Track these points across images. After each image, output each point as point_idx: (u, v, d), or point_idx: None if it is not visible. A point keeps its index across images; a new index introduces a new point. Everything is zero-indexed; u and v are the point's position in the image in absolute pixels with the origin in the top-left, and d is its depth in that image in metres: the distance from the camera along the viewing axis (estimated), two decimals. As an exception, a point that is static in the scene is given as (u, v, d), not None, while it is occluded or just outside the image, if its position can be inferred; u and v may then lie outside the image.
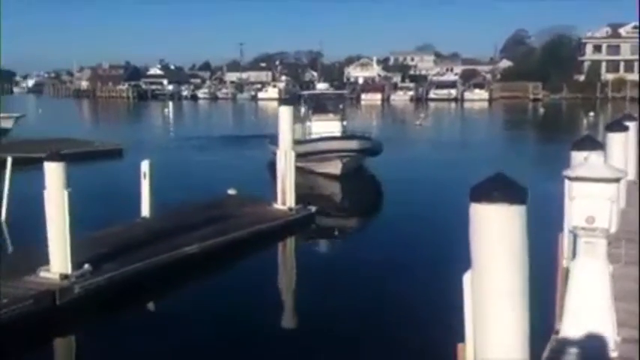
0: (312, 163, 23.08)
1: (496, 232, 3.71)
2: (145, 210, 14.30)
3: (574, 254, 4.98)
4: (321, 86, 35.90)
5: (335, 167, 22.67)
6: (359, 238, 16.40)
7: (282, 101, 18.84)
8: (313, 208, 16.43)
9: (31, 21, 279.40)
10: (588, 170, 4.85)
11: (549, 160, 22.80)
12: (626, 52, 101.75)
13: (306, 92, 38.71)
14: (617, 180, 4.81)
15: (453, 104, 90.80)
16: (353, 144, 22.94)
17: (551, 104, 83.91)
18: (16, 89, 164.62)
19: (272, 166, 24.25)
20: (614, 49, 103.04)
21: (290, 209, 15.86)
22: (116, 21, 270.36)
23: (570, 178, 4.91)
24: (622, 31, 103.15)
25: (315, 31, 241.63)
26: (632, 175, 12.73)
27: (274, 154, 24.69)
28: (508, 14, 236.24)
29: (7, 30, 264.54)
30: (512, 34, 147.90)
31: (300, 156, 23.00)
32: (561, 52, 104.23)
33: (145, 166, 14.18)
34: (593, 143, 6.99)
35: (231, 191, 17.43)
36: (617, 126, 10.64)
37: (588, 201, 4.80)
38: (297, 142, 23.81)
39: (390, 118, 68.02)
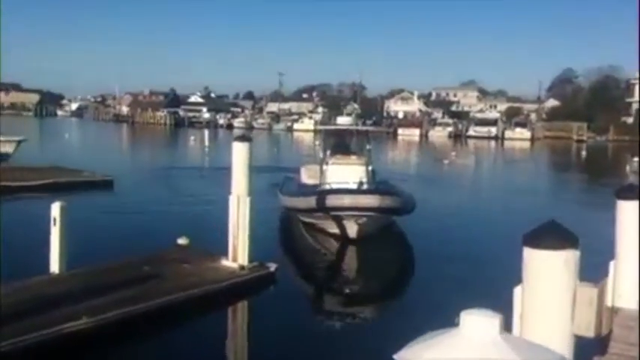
0: (322, 221, 18.30)
1: None
2: (55, 264, 11.76)
3: None
4: (343, 120, 27.82)
5: (349, 228, 17.55)
6: (329, 309, 13.38)
7: (238, 137, 15.27)
8: (273, 267, 13.47)
9: (86, 45, 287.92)
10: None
11: (576, 217, 19.54)
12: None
13: (323, 127, 33.88)
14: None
15: (492, 142, 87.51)
16: (374, 200, 17.36)
17: (596, 147, 79.77)
18: (59, 112, 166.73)
19: (282, 221, 20.25)
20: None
21: (242, 267, 13.09)
22: (167, 50, 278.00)
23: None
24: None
25: (361, 64, 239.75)
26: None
27: (282, 208, 20.49)
28: (556, 52, 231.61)
29: (60, 52, 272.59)
30: (560, 73, 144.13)
31: (308, 211, 18.58)
32: (609, 92, 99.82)
33: (55, 209, 11.68)
34: (552, 237, 4.11)
35: (181, 240, 14.64)
36: (630, 191, 7.47)
37: None
38: (307, 193, 19.16)
39: (422, 156, 65.03)
